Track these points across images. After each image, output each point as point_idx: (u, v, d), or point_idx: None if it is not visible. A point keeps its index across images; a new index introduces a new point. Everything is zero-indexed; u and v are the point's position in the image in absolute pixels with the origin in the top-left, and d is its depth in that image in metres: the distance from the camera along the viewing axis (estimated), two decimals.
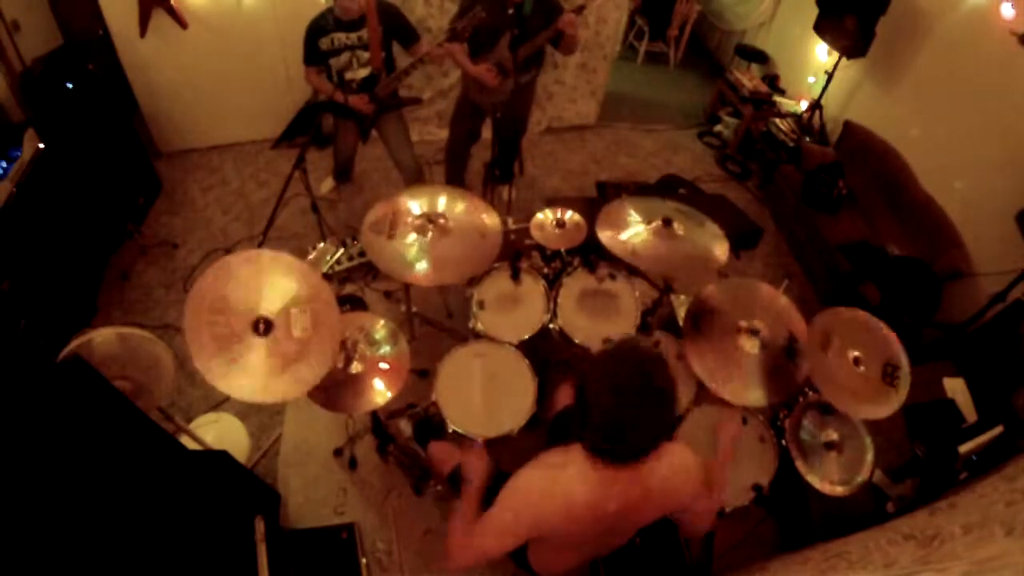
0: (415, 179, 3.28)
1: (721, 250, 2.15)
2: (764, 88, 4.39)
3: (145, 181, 3.48)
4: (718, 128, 4.64)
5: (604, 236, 2.14)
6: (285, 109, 3.86)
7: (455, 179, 3.45)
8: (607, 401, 1.21)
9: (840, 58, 3.80)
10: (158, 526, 1.51)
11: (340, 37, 2.77)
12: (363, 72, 2.87)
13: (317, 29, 2.77)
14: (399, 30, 2.84)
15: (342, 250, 2.81)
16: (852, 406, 1.87)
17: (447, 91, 4.00)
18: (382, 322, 2.04)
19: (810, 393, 2.04)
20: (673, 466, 1.39)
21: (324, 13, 2.77)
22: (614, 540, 1.58)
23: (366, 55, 2.82)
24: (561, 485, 1.32)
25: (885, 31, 3.45)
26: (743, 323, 2.01)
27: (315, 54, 2.82)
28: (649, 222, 2.18)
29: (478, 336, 2.25)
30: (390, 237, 2.10)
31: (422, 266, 2.06)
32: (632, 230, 2.18)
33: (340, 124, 3.28)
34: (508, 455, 1.77)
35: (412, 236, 2.11)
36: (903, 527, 1.66)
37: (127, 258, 3.20)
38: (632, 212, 2.24)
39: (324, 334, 1.69)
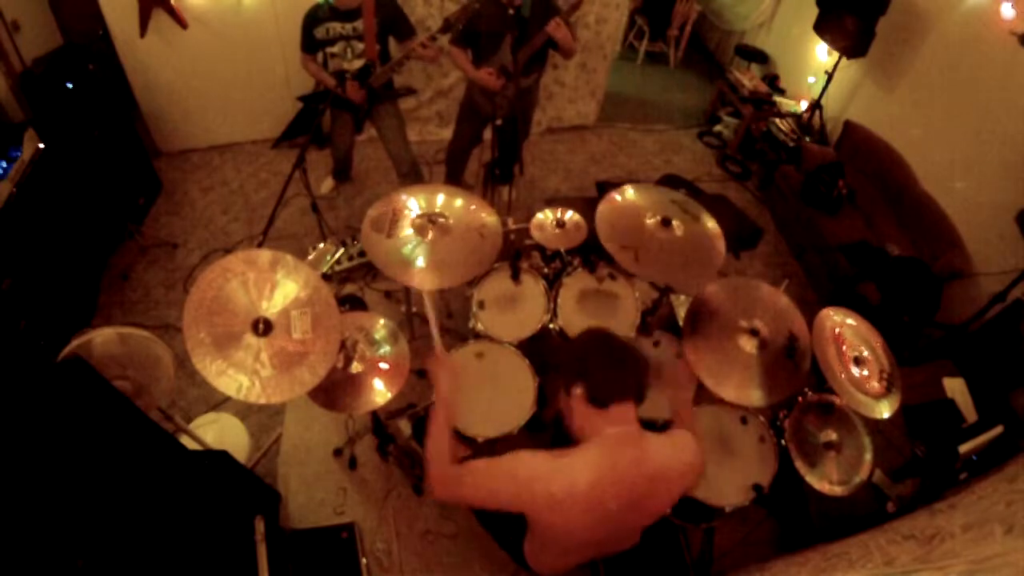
0: (410, 174, 3.27)
1: (719, 245, 2.16)
2: (764, 88, 4.39)
3: (145, 181, 3.48)
4: (718, 128, 4.64)
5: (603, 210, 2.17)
6: (285, 109, 3.85)
7: (453, 179, 3.45)
8: (591, 349, 1.40)
9: (840, 58, 3.80)
10: (158, 526, 1.51)
11: (335, 26, 2.77)
12: (358, 63, 2.86)
13: (313, 17, 2.79)
14: (395, 24, 2.84)
15: (342, 250, 2.80)
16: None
17: (447, 91, 4.00)
18: (382, 322, 2.04)
19: (809, 393, 2.04)
20: (675, 449, 1.44)
21: (320, 2, 2.78)
22: (619, 542, 1.58)
23: (360, 46, 2.82)
24: (561, 471, 1.32)
25: (885, 31, 3.45)
26: (743, 323, 2.01)
27: (311, 42, 2.84)
28: (651, 215, 2.19)
29: (478, 336, 2.25)
30: (389, 236, 2.10)
31: (421, 266, 2.06)
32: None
33: (336, 117, 3.27)
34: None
35: (411, 235, 2.11)
36: (903, 527, 1.66)
37: (127, 258, 3.20)
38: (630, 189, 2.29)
39: (324, 335, 1.69)
